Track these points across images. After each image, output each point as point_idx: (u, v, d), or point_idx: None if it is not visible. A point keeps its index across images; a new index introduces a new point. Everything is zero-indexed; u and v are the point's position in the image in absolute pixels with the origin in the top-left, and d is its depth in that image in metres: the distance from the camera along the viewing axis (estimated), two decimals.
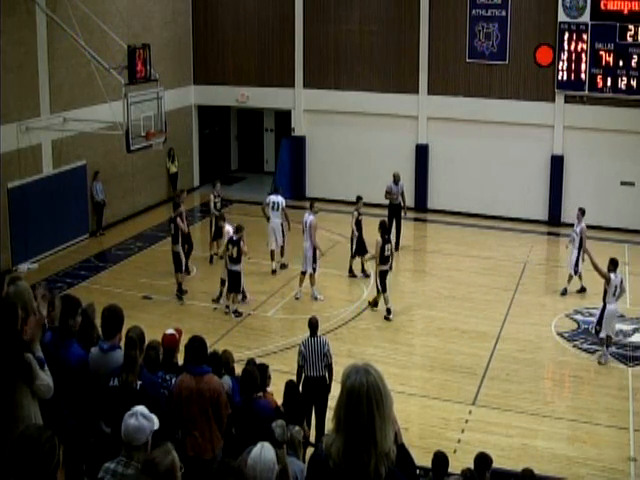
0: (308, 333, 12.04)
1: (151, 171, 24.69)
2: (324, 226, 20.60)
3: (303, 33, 25.30)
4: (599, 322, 15.27)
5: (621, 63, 21.92)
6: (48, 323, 7.28)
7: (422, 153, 24.63)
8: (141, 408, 5.42)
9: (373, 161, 24.78)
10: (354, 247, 19.16)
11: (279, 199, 19.61)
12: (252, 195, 25.64)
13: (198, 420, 7.89)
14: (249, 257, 18.22)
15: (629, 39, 21.75)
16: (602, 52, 22.09)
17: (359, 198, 19.30)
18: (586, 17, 22.17)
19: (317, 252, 18.08)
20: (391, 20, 24.47)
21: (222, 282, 17.57)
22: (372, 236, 17.85)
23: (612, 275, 15.12)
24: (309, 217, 18.06)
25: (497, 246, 21.91)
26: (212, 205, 20.42)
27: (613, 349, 15.52)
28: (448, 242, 22.22)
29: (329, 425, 4.15)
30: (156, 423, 5.41)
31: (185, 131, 26.48)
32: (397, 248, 21.10)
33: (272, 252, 19.49)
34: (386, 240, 17.14)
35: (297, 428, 8.34)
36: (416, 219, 24.06)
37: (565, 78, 22.70)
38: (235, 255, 16.76)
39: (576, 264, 17.93)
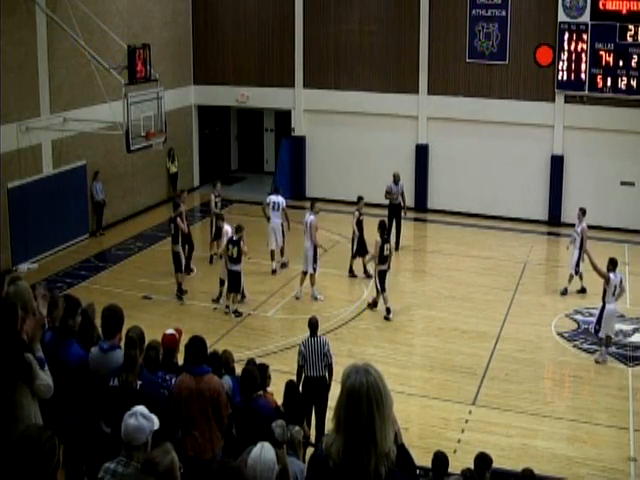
0: (308, 333, 12.04)
1: (151, 171, 24.69)
2: (324, 226, 20.58)
3: (303, 33, 25.30)
4: (598, 322, 15.29)
5: (621, 63, 21.92)
6: (48, 323, 7.29)
7: (422, 153, 24.63)
8: (141, 408, 5.42)
9: (373, 161, 24.78)
10: (355, 247, 19.17)
11: (279, 199, 19.62)
12: (252, 195, 25.63)
13: (198, 420, 7.89)
14: (249, 257, 18.21)
15: (629, 39, 21.75)
16: (602, 52, 22.09)
17: (360, 198, 19.31)
18: (586, 17, 22.17)
19: (318, 251, 18.08)
20: (391, 20, 24.47)
21: (221, 282, 17.57)
22: (372, 236, 17.84)
23: (611, 275, 15.12)
24: (309, 217, 18.06)
25: (497, 246, 21.91)
26: (213, 205, 20.41)
27: (613, 349, 15.52)
28: (448, 242, 22.22)
29: (329, 425, 4.15)
30: (156, 423, 5.41)
31: (185, 131, 26.48)
32: (397, 248, 21.14)
33: (272, 252, 19.49)
34: (385, 240, 17.14)
35: (297, 428, 8.34)
36: (416, 219, 24.06)
37: (565, 78, 22.70)
38: (235, 255, 16.76)
39: (577, 264, 17.93)
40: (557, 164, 23.32)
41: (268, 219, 19.61)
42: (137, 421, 5.29)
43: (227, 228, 17.68)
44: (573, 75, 22.57)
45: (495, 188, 23.97)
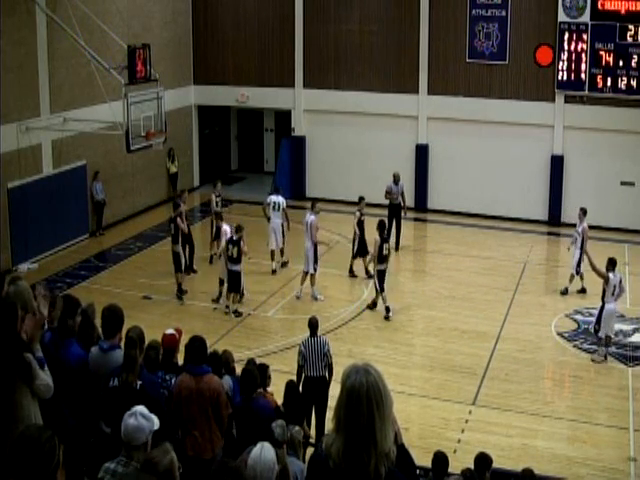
0: (308, 333, 12.04)
1: (151, 171, 24.69)
2: (324, 226, 20.57)
3: (303, 33, 25.29)
4: (598, 321, 15.31)
5: (621, 63, 21.92)
6: (48, 323, 7.28)
7: (422, 153, 24.63)
8: (141, 408, 5.42)
9: (373, 161, 24.78)
10: (356, 247, 19.15)
11: (280, 199, 19.62)
12: (252, 195, 25.63)
13: (198, 420, 7.89)
14: (249, 257, 18.22)
15: (629, 39, 21.75)
16: (602, 52, 22.09)
17: (361, 198, 19.31)
18: (586, 17, 22.17)
19: (319, 250, 18.07)
20: (391, 20, 24.47)
21: (221, 282, 17.57)
22: (372, 236, 17.83)
23: (610, 275, 15.14)
24: (310, 217, 18.07)
25: (497, 246, 21.91)
26: (214, 204, 20.27)
27: (613, 349, 15.53)
28: (448, 242, 22.22)
29: (329, 425, 4.15)
30: (156, 423, 5.41)
31: (185, 131, 26.48)
32: (397, 248, 21.15)
33: (272, 252, 19.50)
34: (384, 239, 17.15)
35: (297, 428, 8.34)
36: (416, 219, 24.06)
37: (565, 78, 22.70)
38: (235, 255, 16.76)
39: (578, 264, 17.93)
40: (557, 164, 23.32)
41: (268, 219, 19.61)
42: (137, 421, 5.29)
43: (225, 228, 17.68)
44: (573, 75, 22.57)
45: (495, 188, 23.97)
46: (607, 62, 22.06)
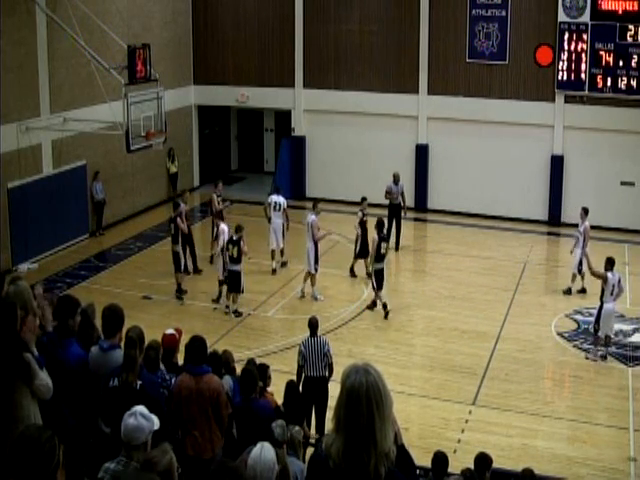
0: (308, 333, 12.04)
1: (151, 171, 24.69)
2: (324, 226, 20.53)
3: (303, 33, 25.29)
4: (597, 321, 15.32)
5: (621, 63, 21.92)
6: (45, 323, 7.28)
7: (422, 153, 24.63)
8: (140, 408, 5.42)
9: (373, 161, 24.78)
10: (358, 248, 19.11)
11: (280, 199, 19.63)
12: (252, 195, 25.64)
13: (198, 420, 7.89)
14: (249, 257, 18.22)
15: (629, 39, 21.75)
16: (602, 52, 22.09)
17: (364, 199, 19.30)
18: (586, 17, 22.17)
19: (322, 245, 18.05)
20: (391, 20, 24.47)
21: (220, 282, 17.57)
22: (371, 235, 17.84)
23: (609, 274, 15.16)
24: (311, 217, 18.10)
25: (497, 246, 21.91)
26: (216, 204, 20.07)
27: (613, 349, 15.53)
28: (448, 242, 22.22)
29: (329, 425, 4.15)
30: (156, 423, 5.41)
31: (185, 131, 26.48)
32: (397, 248, 21.17)
33: (272, 252, 19.51)
34: (382, 238, 17.18)
35: (297, 428, 8.34)
36: (416, 219, 24.06)
37: (565, 78, 22.70)
38: (235, 255, 16.76)
39: (580, 263, 17.93)
40: (557, 164, 23.32)
41: (269, 220, 19.61)
42: (136, 421, 5.29)
43: (223, 227, 17.64)
44: (573, 75, 22.57)
45: (495, 188, 23.96)
46: (607, 62, 22.06)
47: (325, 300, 17.89)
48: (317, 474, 3.82)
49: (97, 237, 22.25)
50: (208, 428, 7.93)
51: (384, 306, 17.01)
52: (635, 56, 21.74)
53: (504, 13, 23.23)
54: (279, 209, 19.49)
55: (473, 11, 23.52)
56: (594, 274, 15.67)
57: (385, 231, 17.97)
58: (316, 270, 17.93)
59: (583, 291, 18.23)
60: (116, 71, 18.85)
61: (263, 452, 5.63)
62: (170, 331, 9.19)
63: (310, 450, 9.23)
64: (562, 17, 22.46)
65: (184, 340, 8.66)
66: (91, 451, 6.48)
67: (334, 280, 19.03)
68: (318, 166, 25.75)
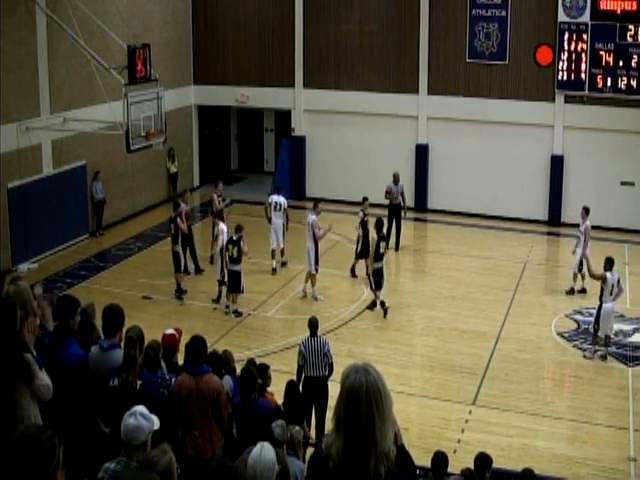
0: (308, 333, 12.04)
1: (151, 171, 24.69)
2: (324, 226, 20.56)
3: (303, 33, 25.29)
4: (597, 321, 15.32)
5: (621, 63, 21.92)
6: (46, 323, 7.28)
7: (422, 153, 24.63)
8: (140, 408, 5.42)
9: (373, 161, 24.78)
10: (359, 248, 19.08)
11: (281, 199, 19.64)
12: (252, 195, 25.64)
13: (198, 420, 7.89)
14: (249, 257, 18.22)
15: (629, 39, 21.75)
16: (602, 52, 22.09)
17: (365, 199, 19.30)
18: (586, 17, 22.17)
19: (320, 249, 18.05)
20: (391, 20, 24.47)
21: (219, 282, 17.57)
22: (371, 235, 17.85)
23: (608, 274, 15.17)
24: (311, 217, 18.10)
25: (497, 246, 21.91)
26: (217, 203, 20.01)
27: (613, 349, 15.53)
28: (448, 242, 22.22)
29: (329, 425, 4.15)
30: (156, 423, 5.41)
31: (185, 131, 26.48)
32: (397, 248, 21.18)
33: (273, 251, 19.51)
34: (381, 237, 17.20)
35: (297, 428, 8.34)
36: (416, 219, 24.05)
37: (565, 78, 22.70)
38: (235, 255, 16.76)
39: (580, 263, 17.92)
40: (557, 164, 23.32)
41: (269, 220, 19.60)
42: (136, 421, 5.29)
43: (222, 227, 17.63)
44: (573, 75, 22.57)
45: (495, 188, 23.96)
46: (607, 62, 22.06)
47: (325, 300, 17.89)
48: (317, 474, 3.83)
49: (97, 237, 22.25)
50: (208, 428, 7.93)
51: (382, 304, 17.02)
52: (635, 56, 21.74)
53: (504, 13, 23.23)
54: (279, 209, 19.49)
55: (473, 11, 23.52)
56: (593, 277, 15.73)
57: (384, 230, 17.99)
58: (316, 270, 17.93)
59: (583, 291, 18.24)
60: (116, 71, 18.85)
61: (263, 452, 5.63)
62: (170, 331, 9.19)
63: (310, 450, 9.22)
64: (562, 17, 22.46)
65: (184, 340, 8.66)
66: (91, 451, 6.48)
67: (334, 280, 19.02)
68: (318, 166, 25.75)
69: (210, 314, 17.24)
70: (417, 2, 23.98)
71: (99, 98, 19.86)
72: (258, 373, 9.11)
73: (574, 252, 18.39)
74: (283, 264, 19.77)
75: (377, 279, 17.07)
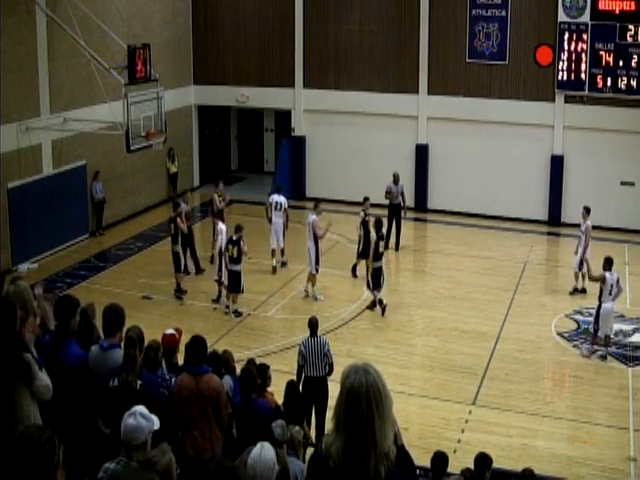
0: (308, 333, 12.04)
1: (151, 171, 24.69)
2: (324, 226, 20.57)
3: (303, 33, 25.29)
4: (596, 320, 15.33)
5: (621, 63, 21.92)
6: (48, 322, 7.28)
7: (422, 153, 24.63)
8: (140, 408, 5.42)
9: (373, 161, 24.78)
10: (360, 248, 19.05)
11: (281, 199, 19.64)
12: (252, 195, 25.65)
13: (198, 420, 7.89)
14: (249, 257, 18.22)
15: (629, 39, 21.75)
16: (602, 52, 22.09)
17: (366, 199, 19.32)
18: (586, 17, 22.17)
19: (327, 231, 18.01)
20: (391, 20, 24.47)
21: (217, 282, 17.56)
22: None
23: (607, 274, 15.17)
24: (312, 217, 18.11)
25: (497, 246, 21.91)
26: (217, 203, 20.00)
27: (613, 349, 15.53)
28: (448, 242, 22.21)
29: (329, 425, 4.15)
30: (156, 423, 5.41)
31: (185, 131, 26.48)
32: (397, 248, 21.19)
33: (273, 251, 19.51)
34: (380, 237, 17.20)
35: (297, 428, 8.34)
36: (416, 219, 24.05)
37: (565, 78, 22.70)
38: (235, 255, 16.76)
39: (580, 262, 17.93)
40: (557, 164, 23.32)
41: (269, 220, 19.60)
42: (136, 421, 5.29)
43: (221, 227, 17.63)
44: (573, 75, 22.57)
45: (495, 188, 23.96)
46: (607, 62, 22.06)
47: (325, 300, 17.89)
48: (317, 474, 3.83)
49: (97, 237, 22.25)
50: (208, 428, 7.93)
51: (379, 302, 17.02)
52: (635, 56, 21.74)
53: (504, 13, 23.23)
54: (280, 208, 19.49)
55: (473, 11, 23.52)
56: (592, 279, 15.76)
57: (384, 230, 18.00)
58: (317, 270, 17.94)
59: (583, 291, 18.23)
60: (116, 71, 18.84)
61: (263, 452, 5.63)
62: (170, 331, 9.20)
63: (310, 450, 9.22)
64: (562, 17, 22.46)
65: (184, 340, 8.66)
66: (91, 451, 6.48)
67: (335, 280, 19.02)
68: (318, 166, 25.75)
69: (210, 314, 17.24)
70: (417, 2, 23.98)
71: (99, 98, 19.87)
72: (258, 373, 9.11)
73: (576, 252, 18.38)
74: (283, 264, 19.78)
75: (376, 278, 17.08)
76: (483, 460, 8.95)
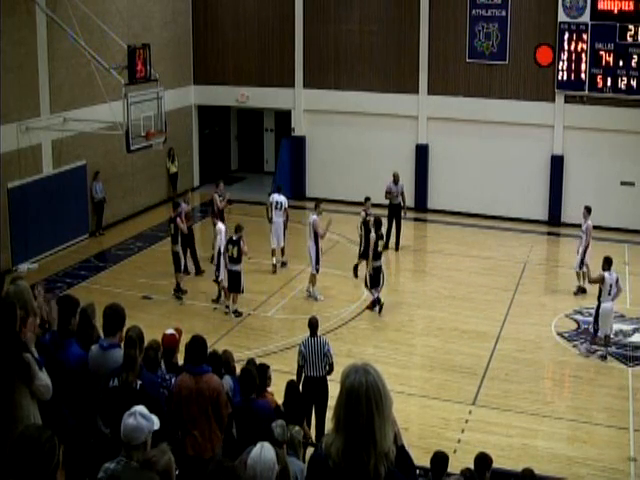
0: (308, 333, 12.04)
1: (151, 171, 24.69)
2: (324, 226, 20.57)
3: (303, 33, 25.29)
4: (596, 320, 15.34)
5: (621, 63, 21.92)
6: (52, 321, 7.29)
7: (422, 153, 24.63)
8: (140, 408, 5.42)
9: (373, 161, 24.78)
10: (362, 248, 19.04)
11: (282, 199, 19.65)
12: (252, 195, 25.65)
13: (198, 420, 7.89)
14: (249, 257, 18.22)
15: (629, 39, 21.75)
16: (602, 52, 22.09)
17: (367, 199, 19.32)
18: (586, 17, 22.17)
19: (328, 227, 18.02)
20: (391, 20, 24.46)
21: (216, 282, 17.55)
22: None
23: (606, 274, 15.18)
24: (312, 217, 18.11)
25: (497, 246, 21.91)
26: (218, 203, 19.98)
27: (613, 349, 15.53)
28: (448, 242, 22.21)
29: (329, 425, 4.15)
30: (156, 423, 5.41)
31: (185, 131, 26.48)
32: (397, 248, 21.19)
33: (273, 250, 19.51)
34: (379, 236, 17.21)
35: (297, 428, 8.34)
36: (416, 219, 24.05)
37: (565, 78, 22.70)
38: (235, 255, 16.76)
39: (581, 262, 17.93)
40: (557, 164, 23.32)
41: (270, 220, 19.60)
42: (136, 421, 5.29)
43: (220, 227, 17.62)
44: (573, 75, 22.57)
45: (495, 188, 23.96)
46: (607, 62, 22.06)
47: (325, 300, 17.89)
48: (317, 474, 3.83)
49: (97, 237, 22.25)
50: (208, 428, 7.93)
51: (378, 301, 17.02)
52: (635, 56, 21.74)
53: (504, 13, 23.23)
54: (280, 208, 19.50)
55: (473, 11, 23.52)
56: (592, 282, 15.77)
57: (383, 230, 18.00)
58: (317, 270, 17.94)
59: (584, 291, 18.23)
60: (116, 71, 18.85)
61: (263, 452, 5.62)
62: (170, 331, 9.20)
63: (310, 450, 9.22)
64: (562, 17, 22.46)
65: (184, 340, 8.66)
66: (91, 451, 6.48)
67: (335, 280, 19.02)
68: (318, 166, 25.75)
69: (210, 314, 17.25)
70: (417, 2, 23.99)
71: (99, 98, 19.87)
72: (258, 373, 9.11)
73: (578, 252, 18.39)
74: (283, 264, 19.77)
75: (375, 277, 17.09)
76: (483, 460, 8.95)
